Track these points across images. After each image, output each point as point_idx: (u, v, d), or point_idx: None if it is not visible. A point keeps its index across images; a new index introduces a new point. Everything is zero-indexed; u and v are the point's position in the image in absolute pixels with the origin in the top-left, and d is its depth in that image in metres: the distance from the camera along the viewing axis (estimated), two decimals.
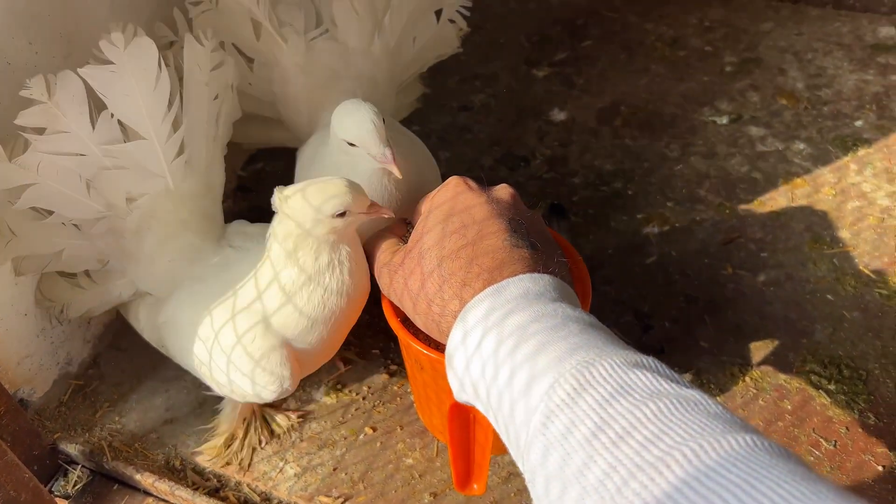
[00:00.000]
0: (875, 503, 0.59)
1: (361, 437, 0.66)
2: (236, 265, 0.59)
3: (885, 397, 0.65)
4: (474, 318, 0.44)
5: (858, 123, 0.94)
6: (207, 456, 0.65)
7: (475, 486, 0.54)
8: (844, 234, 0.80)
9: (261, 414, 0.66)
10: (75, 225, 0.60)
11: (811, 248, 0.79)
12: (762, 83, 1.01)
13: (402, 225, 0.59)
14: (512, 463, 0.63)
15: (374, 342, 0.73)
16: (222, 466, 0.64)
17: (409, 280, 0.50)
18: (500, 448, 0.61)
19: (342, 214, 0.52)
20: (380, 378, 0.70)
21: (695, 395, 0.35)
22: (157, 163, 0.58)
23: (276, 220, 0.55)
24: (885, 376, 0.67)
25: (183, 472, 0.65)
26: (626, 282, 0.78)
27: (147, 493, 0.64)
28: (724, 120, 0.97)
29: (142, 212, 0.60)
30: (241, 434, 0.65)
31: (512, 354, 0.40)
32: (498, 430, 0.42)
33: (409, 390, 0.68)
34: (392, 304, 0.56)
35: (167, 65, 0.57)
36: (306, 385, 0.70)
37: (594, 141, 0.96)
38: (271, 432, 0.66)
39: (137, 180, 0.59)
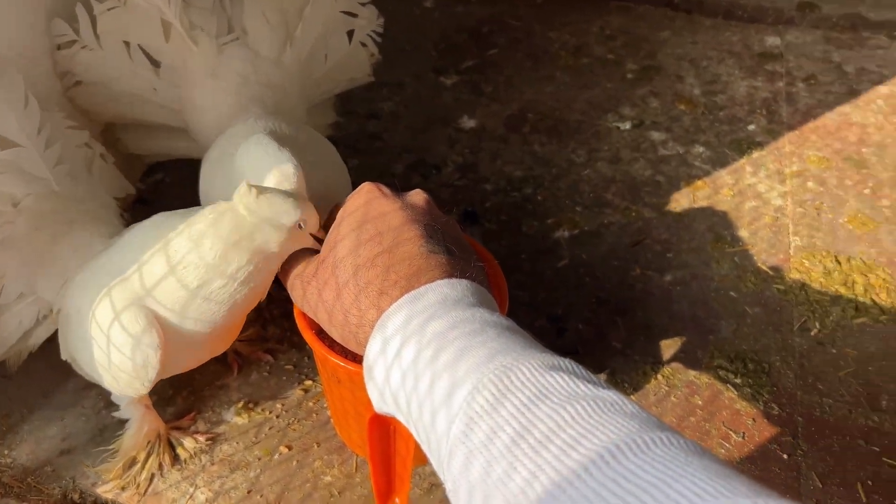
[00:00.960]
0: (781, 491, 0.61)
1: (276, 456, 0.63)
2: (126, 247, 0.56)
3: (786, 388, 0.68)
4: (393, 327, 0.43)
5: (751, 127, 0.99)
6: (104, 478, 0.61)
7: (397, 499, 0.52)
8: (743, 233, 0.84)
9: (166, 437, 0.63)
10: None
11: (713, 247, 0.82)
12: (662, 89, 1.05)
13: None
14: (434, 473, 0.62)
15: (286, 358, 0.71)
16: (118, 490, 0.60)
17: (323, 291, 0.48)
18: (421, 459, 0.60)
19: (300, 227, 0.50)
20: (294, 394, 0.68)
21: (611, 395, 0.36)
22: (38, 168, 0.57)
23: (223, 206, 0.51)
24: (785, 368, 0.70)
25: None
26: (539, 286, 0.79)
27: None
28: (627, 125, 0.99)
29: (30, 212, 0.57)
30: (142, 457, 0.61)
31: (432, 362, 0.39)
32: (419, 441, 0.41)
33: (325, 406, 0.66)
34: (306, 316, 0.54)
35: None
36: (215, 405, 0.67)
37: (504, 147, 0.97)
38: (176, 457, 0.62)
39: (21, 183, 0.56)
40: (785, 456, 0.63)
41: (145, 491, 0.60)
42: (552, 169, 0.93)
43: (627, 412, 0.35)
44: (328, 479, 0.61)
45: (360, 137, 0.98)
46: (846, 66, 1.08)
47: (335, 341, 0.52)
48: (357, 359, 0.52)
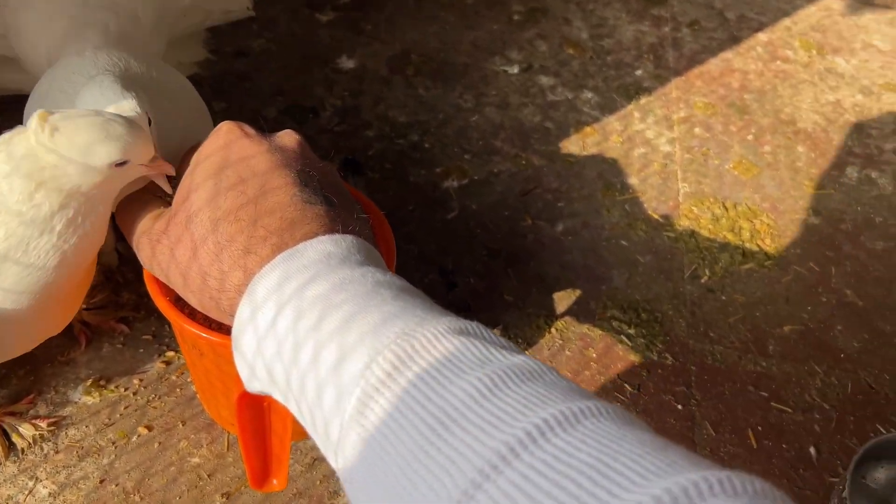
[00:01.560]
0: (677, 441, 0.60)
1: (135, 439, 0.55)
2: None
3: (678, 337, 0.67)
4: (265, 290, 0.36)
5: (639, 73, 0.97)
6: None
7: (274, 481, 0.47)
8: (633, 180, 0.82)
9: None
10: None
11: (604, 195, 0.80)
12: (549, 32, 1.01)
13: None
14: (316, 448, 0.56)
15: (144, 327, 0.63)
16: None
17: (175, 250, 0.41)
18: (300, 433, 0.55)
19: (121, 164, 0.41)
20: (154, 368, 0.60)
21: (527, 362, 0.31)
22: None
23: (20, 141, 0.41)
24: (677, 316, 0.69)
25: None
26: (429, 238, 0.74)
27: None
28: (515, 69, 0.95)
29: None
30: None
31: (315, 329, 0.33)
32: (301, 420, 0.35)
33: (190, 380, 0.59)
34: (158, 281, 0.47)
35: None
36: (59, 384, 0.58)
37: (386, 91, 0.90)
38: (11, 446, 0.54)
39: None
40: (679, 406, 0.62)
41: None
42: (439, 114, 0.88)
43: (547, 381, 0.30)
44: (196, 460, 0.55)
45: (226, 78, 0.89)
46: (727, 13, 1.08)
47: (196, 309, 0.45)
48: (223, 328, 0.45)
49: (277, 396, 0.37)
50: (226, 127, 0.44)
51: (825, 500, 0.57)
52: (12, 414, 0.55)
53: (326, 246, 0.38)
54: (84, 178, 0.40)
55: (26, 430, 0.54)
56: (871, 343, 0.68)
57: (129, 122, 0.41)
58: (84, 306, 0.60)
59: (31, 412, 0.56)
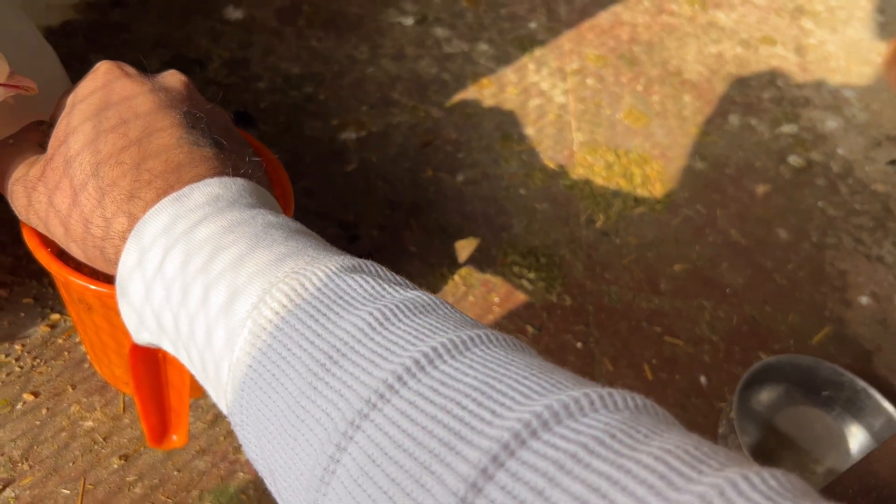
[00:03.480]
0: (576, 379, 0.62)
1: (19, 406, 0.52)
2: None
3: (576, 279, 0.69)
4: (152, 234, 0.34)
5: (532, 25, 0.97)
6: None
7: (174, 437, 0.45)
8: (530, 130, 0.83)
9: None
10: None
11: (502, 146, 0.81)
12: None
13: (36, 130, 0.45)
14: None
15: (23, 290, 0.59)
16: None
17: (53, 197, 0.38)
18: (200, 389, 0.53)
19: None
20: (37, 332, 0.56)
21: (421, 296, 0.31)
22: None
23: None
24: (574, 260, 0.71)
25: None
26: (328, 191, 0.72)
27: None
28: (410, 21, 0.94)
29: None
30: None
31: (205, 269, 0.32)
32: (191, 368, 0.34)
33: (78, 341, 0.56)
34: (38, 234, 0.44)
35: None
36: None
37: (277, 42, 0.87)
38: None
39: None
40: (579, 344, 0.64)
41: None
42: (333, 66, 0.85)
43: (440, 313, 0.30)
44: (90, 423, 0.52)
45: (101, 28, 0.83)
46: None
47: (79, 262, 0.42)
48: (109, 279, 0.43)
49: (167, 346, 0.35)
50: (104, 66, 0.41)
51: (715, 425, 0.61)
52: None
53: (215, 188, 0.36)
54: None
55: None
56: (754, 279, 0.72)
57: None
58: None
59: None
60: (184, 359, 0.34)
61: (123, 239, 0.36)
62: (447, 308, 0.31)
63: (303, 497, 0.27)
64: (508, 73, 0.89)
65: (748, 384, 0.61)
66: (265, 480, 0.31)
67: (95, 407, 0.53)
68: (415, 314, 0.29)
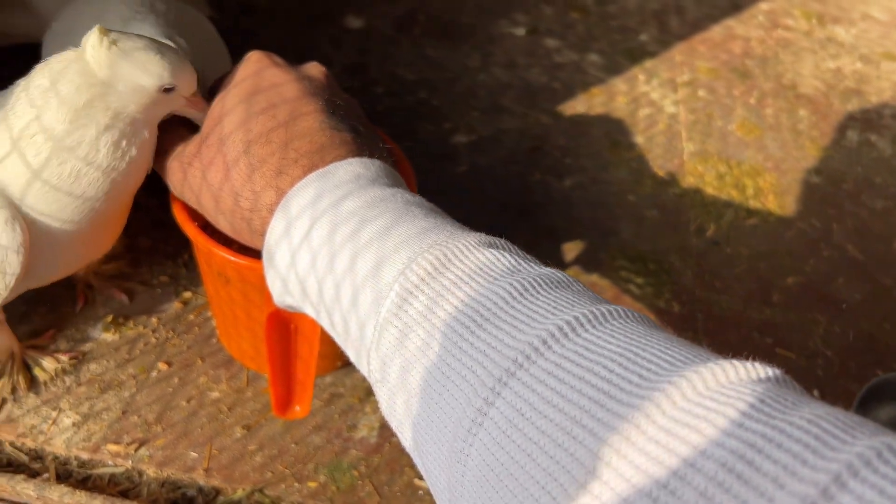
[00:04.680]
0: None
1: (154, 374, 0.56)
2: None
3: (686, 287, 0.69)
4: (299, 206, 0.37)
5: (643, 37, 0.97)
6: None
7: (297, 407, 0.48)
8: (639, 139, 0.83)
9: (21, 357, 0.54)
10: None
11: (611, 152, 0.81)
12: None
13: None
14: (334, 384, 0.57)
15: (160, 269, 0.63)
16: None
17: (207, 172, 0.42)
18: (322, 367, 0.55)
19: (168, 91, 0.41)
20: (171, 307, 0.60)
21: (554, 272, 0.32)
22: None
23: (69, 57, 0.41)
24: (683, 267, 0.70)
25: None
26: (439, 192, 0.74)
27: None
28: (522, 31, 0.96)
29: None
30: None
31: (353, 238, 0.34)
32: (333, 330, 0.36)
33: (208, 317, 0.59)
34: (186, 208, 0.47)
35: None
36: (79, 322, 0.59)
37: (394, 50, 0.90)
38: (32, 380, 0.54)
39: None
40: None
41: None
42: (446, 73, 0.88)
43: (575, 290, 0.31)
44: (215, 395, 0.55)
45: (233, 35, 0.89)
46: None
47: (222, 237, 0.46)
48: (248, 252, 0.46)
49: (309, 310, 0.38)
50: (256, 56, 0.44)
51: None
52: (34, 348, 0.55)
53: (357, 167, 0.38)
54: (133, 98, 0.41)
55: (48, 363, 0.55)
56: (872, 295, 0.70)
57: (179, 51, 0.42)
58: (95, 269, 0.60)
59: (52, 347, 0.57)
60: (325, 322, 0.36)
61: (271, 211, 0.39)
62: (580, 286, 0.32)
63: (447, 447, 0.28)
64: (618, 83, 0.90)
65: (865, 399, 0.58)
66: (400, 436, 0.32)
67: (221, 379, 0.56)
68: (552, 288, 0.30)
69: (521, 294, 0.30)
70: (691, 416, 0.22)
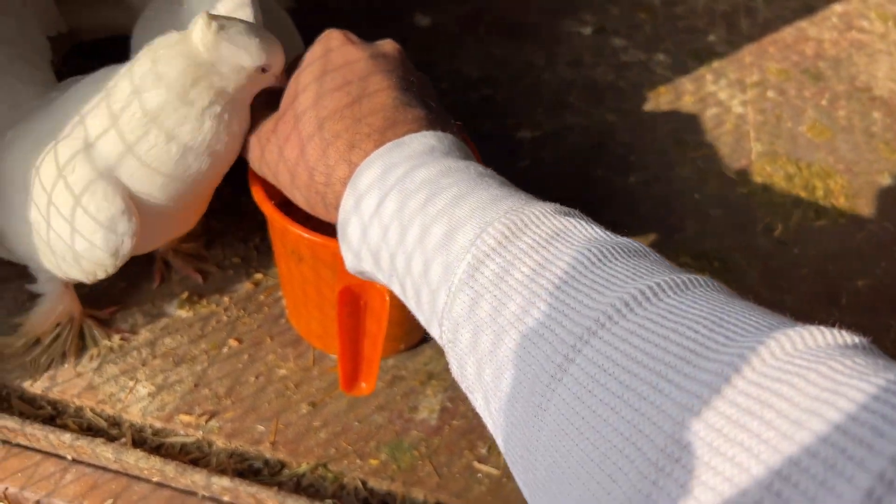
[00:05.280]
0: None
1: (225, 350, 0.58)
2: (68, 101, 0.48)
3: (751, 286, 0.68)
4: (368, 180, 0.38)
5: (711, 38, 0.96)
6: (3, 352, 0.56)
7: (363, 384, 0.49)
8: (706, 138, 0.82)
9: (79, 324, 0.57)
10: None
11: (676, 151, 0.80)
12: None
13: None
14: (396, 366, 0.58)
15: (232, 251, 0.65)
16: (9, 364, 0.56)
17: (284, 148, 0.43)
18: (385, 349, 0.57)
19: (263, 70, 0.44)
20: (243, 287, 0.63)
21: (632, 242, 0.33)
22: None
23: (173, 40, 0.44)
24: (749, 267, 0.69)
25: (7, 402, 0.54)
26: None
27: None
28: (588, 31, 0.96)
29: None
30: (47, 340, 0.56)
31: (422, 210, 0.35)
32: (406, 299, 0.37)
33: (278, 297, 0.61)
34: (263, 187, 0.49)
35: None
36: (156, 299, 0.61)
37: (460, 48, 0.92)
38: (84, 348, 0.57)
39: None
40: None
41: (40, 376, 0.55)
42: (510, 70, 0.89)
43: (652, 259, 0.32)
44: (283, 372, 0.57)
45: (306, 29, 0.91)
46: None
47: (295, 218, 0.47)
48: (321, 231, 0.47)
49: (381, 278, 0.39)
50: (331, 34, 0.46)
51: None
52: (94, 318, 0.58)
53: (430, 140, 0.39)
54: (234, 77, 0.43)
55: (101, 335, 0.57)
56: None
57: (271, 33, 0.45)
58: (173, 248, 0.63)
59: (115, 325, 0.59)
60: (398, 290, 0.37)
61: (344, 185, 0.40)
62: (657, 256, 0.32)
63: (523, 404, 0.28)
64: (685, 83, 0.89)
65: None
66: (473, 398, 0.33)
67: (289, 358, 0.58)
68: (629, 256, 0.31)
69: (598, 260, 0.30)
70: (782, 373, 0.22)
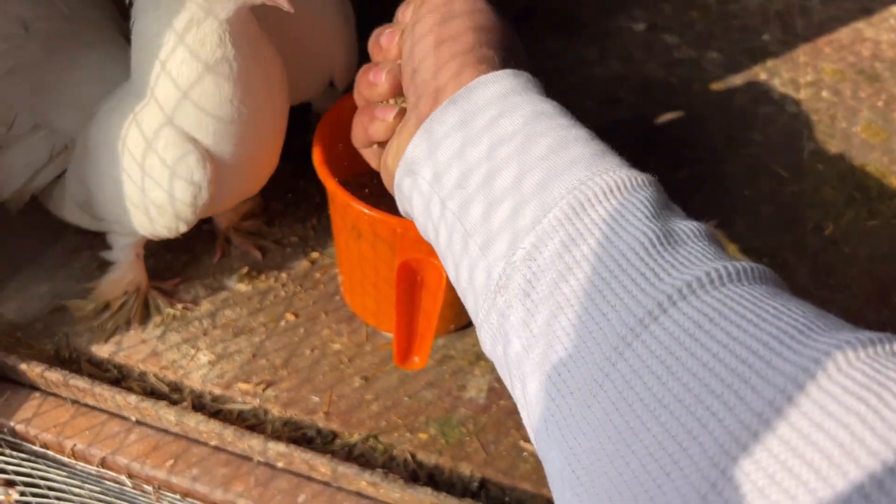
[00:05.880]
0: None
1: (282, 323, 0.60)
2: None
3: (800, 284, 0.68)
4: (485, 98, 0.37)
5: (765, 37, 0.96)
6: (74, 314, 0.59)
7: (416, 358, 0.50)
8: (757, 136, 0.82)
9: (144, 293, 0.60)
10: None
11: (727, 148, 0.81)
12: None
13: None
14: (446, 346, 0.60)
15: (291, 231, 0.68)
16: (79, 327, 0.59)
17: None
18: (438, 328, 0.58)
19: None
20: (300, 265, 0.65)
21: (697, 224, 0.33)
22: None
23: None
24: (799, 265, 0.69)
25: (76, 364, 0.57)
26: None
27: (33, 388, 0.56)
28: (641, 27, 0.96)
29: (43, 36, 0.52)
30: (115, 306, 0.59)
31: (519, 154, 0.34)
32: (465, 253, 0.36)
33: (333, 275, 0.63)
34: (326, 166, 0.51)
35: None
36: (217, 273, 0.64)
37: None
38: (148, 317, 0.60)
39: (29, 5, 0.51)
40: None
41: (107, 339, 0.58)
42: (562, 64, 0.90)
43: (718, 244, 0.32)
44: (337, 346, 0.59)
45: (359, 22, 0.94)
46: None
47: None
48: (380, 208, 0.49)
49: (438, 234, 0.38)
50: None
51: None
52: (159, 290, 0.61)
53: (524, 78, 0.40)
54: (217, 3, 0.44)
55: (164, 305, 0.60)
56: None
57: None
58: (235, 225, 0.65)
59: (177, 295, 0.62)
60: (457, 245, 0.36)
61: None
62: (719, 245, 0.32)
63: (590, 369, 0.28)
64: (737, 81, 0.89)
65: None
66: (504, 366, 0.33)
67: (343, 333, 0.60)
68: (696, 239, 0.31)
69: (660, 244, 0.30)
70: (863, 375, 0.23)
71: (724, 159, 0.79)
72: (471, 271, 0.35)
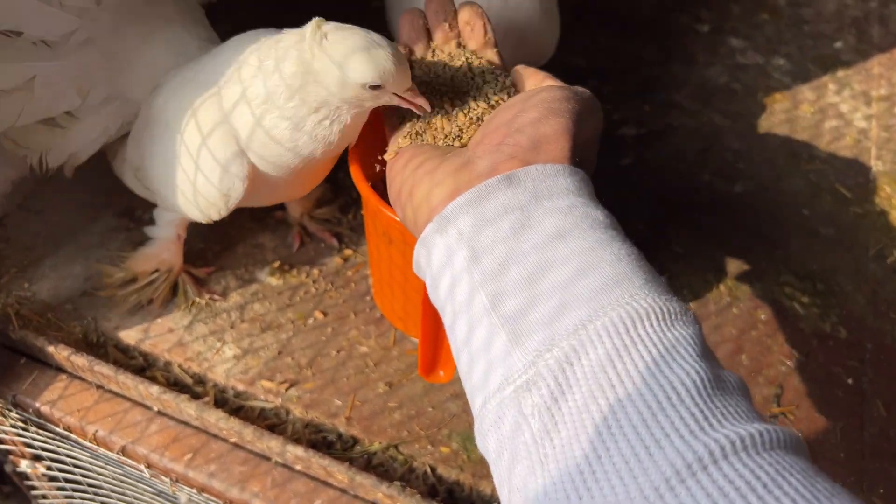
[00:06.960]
0: (842, 414, 0.57)
1: (310, 321, 0.59)
2: (221, 60, 0.50)
3: (856, 313, 0.64)
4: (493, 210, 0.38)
5: (838, 45, 0.91)
6: (104, 280, 0.60)
7: (441, 372, 0.49)
8: (821, 152, 0.78)
9: (175, 275, 0.59)
10: (46, 44, 0.51)
11: (788, 162, 0.76)
12: None
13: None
14: None
15: (326, 227, 0.66)
16: (100, 293, 0.59)
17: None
18: None
19: (375, 88, 0.42)
20: (332, 262, 0.63)
21: (720, 372, 0.32)
22: None
23: (292, 39, 0.44)
24: (856, 292, 0.65)
25: (103, 349, 0.57)
26: (599, 180, 0.73)
27: (60, 370, 0.56)
28: (705, 28, 0.92)
29: (116, 8, 0.52)
30: (143, 281, 0.58)
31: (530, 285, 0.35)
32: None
33: (365, 275, 0.62)
34: (359, 169, 0.49)
35: None
36: (248, 264, 0.63)
37: (569, 36, 0.89)
38: (172, 300, 0.60)
39: None
40: (850, 380, 0.59)
41: (126, 310, 0.59)
42: (619, 63, 0.86)
43: (736, 398, 0.31)
44: (364, 349, 0.58)
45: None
46: None
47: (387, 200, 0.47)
48: None
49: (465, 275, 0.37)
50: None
51: None
52: (190, 274, 0.60)
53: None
54: (338, 90, 0.43)
55: (192, 292, 0.59)
56: None
57: (393, 48, 0.42)
58: (309, 213, 0.64)
59: (207, 285, 0.61)
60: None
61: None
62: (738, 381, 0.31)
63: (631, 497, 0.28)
64: (804, 91, 0.84)
65: None
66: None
67: (371, 336, 0.59)
68: (719, 393, 0.30)
69: (714, 387, 0.30)
70: None
71: (784, 175, 0.75)
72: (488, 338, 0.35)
